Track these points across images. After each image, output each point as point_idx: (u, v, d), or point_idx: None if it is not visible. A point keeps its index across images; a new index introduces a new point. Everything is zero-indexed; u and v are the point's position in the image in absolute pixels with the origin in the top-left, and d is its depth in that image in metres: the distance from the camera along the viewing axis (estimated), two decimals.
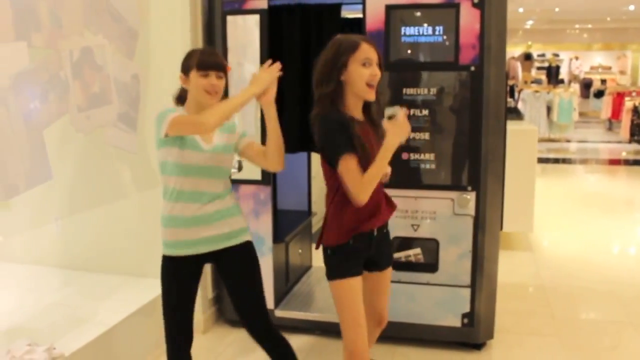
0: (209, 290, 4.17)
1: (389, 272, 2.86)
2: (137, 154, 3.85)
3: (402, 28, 3.59)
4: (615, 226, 7.08)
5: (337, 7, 4.23)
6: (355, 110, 2.62)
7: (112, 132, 3.62)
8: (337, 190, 2.61)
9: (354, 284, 2.63)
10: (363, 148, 2.52)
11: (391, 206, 2.80)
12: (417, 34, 3.58)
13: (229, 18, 3.88)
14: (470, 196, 3.62)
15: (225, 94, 2.80)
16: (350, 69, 2.53)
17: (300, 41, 4.23)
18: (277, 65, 2.63)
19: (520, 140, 5.85)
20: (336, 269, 2.64)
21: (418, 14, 3.60)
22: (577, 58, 22.28)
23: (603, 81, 20.69)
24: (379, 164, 2.50)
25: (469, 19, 3.49)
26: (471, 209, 3.63)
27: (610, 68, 22.16)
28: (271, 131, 2.68)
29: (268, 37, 3.83)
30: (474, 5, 3.47)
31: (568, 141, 14.44)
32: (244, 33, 3.87)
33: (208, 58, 2.64)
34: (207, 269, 3.99)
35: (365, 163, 2.51)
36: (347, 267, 2.63)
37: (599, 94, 18.49)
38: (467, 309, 3.73)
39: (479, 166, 3.59)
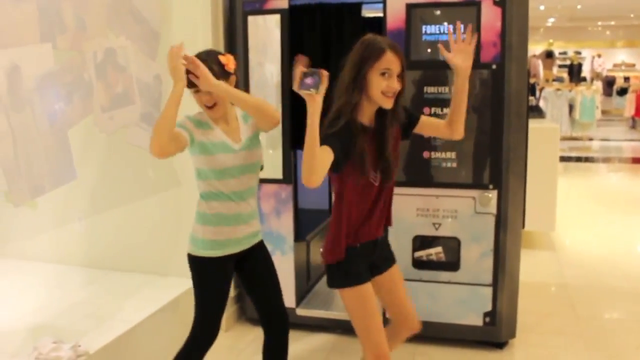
0: (230, 289, 4.18)
1: (395, 269, 2.83)
2: None
3: (423, 27, 3.59)
4: (638, 225, 7.01)
5: (358, 7, 4.24)
6: (367, 115, 2.56)
7: (135, 132, 3.65)
8: (338, 196, 2.60)
9: (368, 290, 2.63)
10: (361, 157, 2.48)
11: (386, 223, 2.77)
12: (438, 32, 3.57)
13: (250, 18, 3.90)
14: (492, 195, 3.60)
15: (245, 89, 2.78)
16: (369, 77, 2.47)
17: (321, 40, 4.24)
18: (176, 46, 2.49)
19: (542, 138, 5.81)
20: (346, 277, 2.63)
21: (439, 12, 3.59)
22: (599, 56, 22.03)
23: (626, 79, 20.41)
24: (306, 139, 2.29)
25: (490, 17, 3.48)
26: (493, 207, 3.62)
27: (634, 65, 21.85)
28: (236, 100, 2.60)
29: (289, 37, 3.85)
30: (495, 3, 3.46)
31: (590, 139, 14.29)
32: (265, 33, 3.89)
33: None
34: None
35: (360, 172, 2.49)
36: (356, 273, 2.62)
37: (622, 92, 18.27)
38: (488, 307, 3.72)
39: (501, 165, 3.58)
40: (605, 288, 4.98)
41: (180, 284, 3.81)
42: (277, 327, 2.93)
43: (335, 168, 2.42)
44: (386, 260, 2.82)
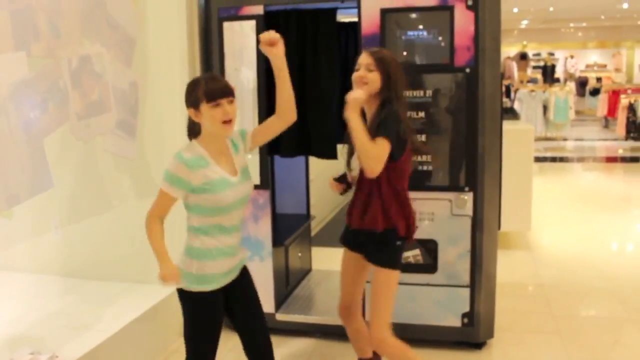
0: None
1: (375, 270, 3.02)
2: (136, 161, 3.87)
3: (398, 31, 3.62)
4: (612, 223, 7.11)
5: (333, 12, 4.25)
6: (367, 108, 2.99)
7: (111, 140, 3.64)
8: None
9: (344, 253, 3.22)
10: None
11: (363, 217, 2.98)
12: (412, 37, 3.60)
13: (226, 24, 3.89)
14: (468, 197, 3.64)
15: None
16: None
17: (297, 46, 4.25)
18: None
19: (517, 139, 5.87)
20: None
21: (413, 16, 3.63)
22: (572, 57, 22.32)
23: (598, 79, 20.71)
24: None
25: (463, 21, 3.52)
26: (469, 209, 3.66)
27: (605, 66, 22.18)
28: (284, 80, 2.65)
29: None
30: (468, 7, 3.50)
31: (564, 140, 14.47)
32: (241, 39, 3.90)
33: (215, 86, 2.50)
34: None
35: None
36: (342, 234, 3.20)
37: (595, 92, 18.52)
38: (466, 308, 3.75)
39: (476, 167, 3.62)
40: (581, 286, 5.04)
41: (158, 292, 3.79)
42: (263, 351, 2.89)
43: None
44: (366, 251, 3.05)
